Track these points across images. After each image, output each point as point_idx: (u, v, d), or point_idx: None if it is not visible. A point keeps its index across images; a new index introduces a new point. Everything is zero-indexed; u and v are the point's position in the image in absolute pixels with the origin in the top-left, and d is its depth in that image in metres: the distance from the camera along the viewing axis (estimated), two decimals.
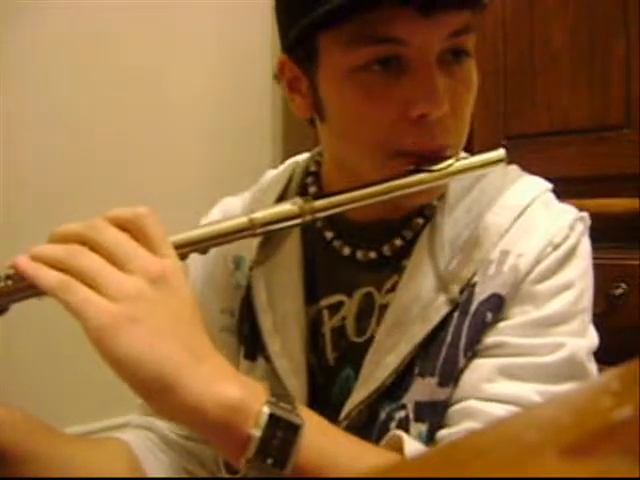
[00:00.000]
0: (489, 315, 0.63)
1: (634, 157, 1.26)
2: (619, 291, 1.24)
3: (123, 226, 0.53)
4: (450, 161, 0.62)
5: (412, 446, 0.57)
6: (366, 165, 0.64)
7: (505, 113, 1.47)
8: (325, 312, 0.71)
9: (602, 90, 1.34)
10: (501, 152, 0.63)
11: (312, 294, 0.72)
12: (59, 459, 0.63)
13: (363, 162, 0.64)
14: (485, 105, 1.45)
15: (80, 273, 0.50)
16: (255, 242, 0.73)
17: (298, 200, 0.60)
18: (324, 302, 0.71)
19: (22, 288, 0.53)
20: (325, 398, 0.68)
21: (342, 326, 0.70)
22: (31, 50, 1.42)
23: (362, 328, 0.69)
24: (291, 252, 0.72)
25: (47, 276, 0.50)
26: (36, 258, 0.52)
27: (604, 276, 1.21)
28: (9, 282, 0.53)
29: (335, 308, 0.71)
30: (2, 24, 1.36)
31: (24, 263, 0.52)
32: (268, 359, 0.70)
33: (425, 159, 0.62)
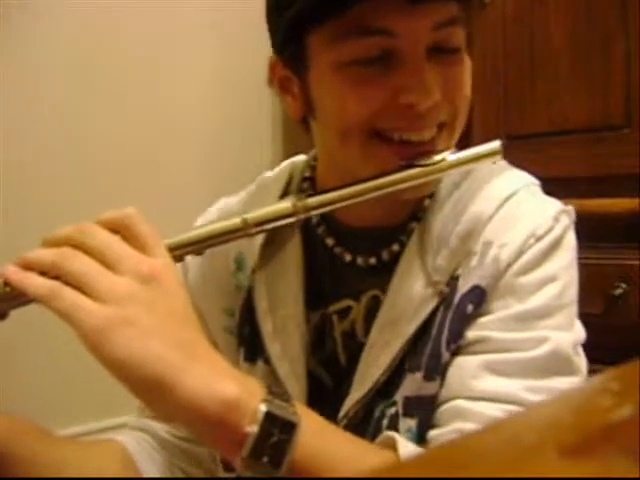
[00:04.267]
0: (470, 307, 0.62)
1: (634, 157, 1.26)
2: (619, 291, 1.24)
3: (113, 228, 0.53)
4: (444, 154, 0.61)
5: (406, 447, 0.57)
6: (350, 152, 0.63)
7: (505, 113, 1.47)
8: (334, 317, 0.71)
9: (602, 90, 1.34)
10: (496, 144, 0.62)
11: (317, 300, 0.72)
12: (54, 462, 0.63)
13: (348, 149, 0.63)
14: (485, 105, 1.45)
15: (70, 277, 0.50)
16: (257, 245, 0.73)
17: (291, 198, 0.60)
18: (333, 307, 0.71)
19: (20, 294, 0.53)
20: (335, 399, 0.69)
21: (352, 329, 0.70)
22: (30, 49, 1.42)
23: (371, 329, 0.69)
24: (292, 258, 0.72)
25: (35, 284, 0.50)
26: (26, 265, 0.52)
27: (604, 276, 1.21)
28: (7, 289, 0.53)
29: (344, 313, 0.71)
30: (3, 23, 1.36)
31: (12, 273, 0.52)
32: (268, 362, 0.70)
33: (415, 153, 0.61)
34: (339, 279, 0.72)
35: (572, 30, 1.38)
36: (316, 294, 0.72)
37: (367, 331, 0.69)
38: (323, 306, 0.72)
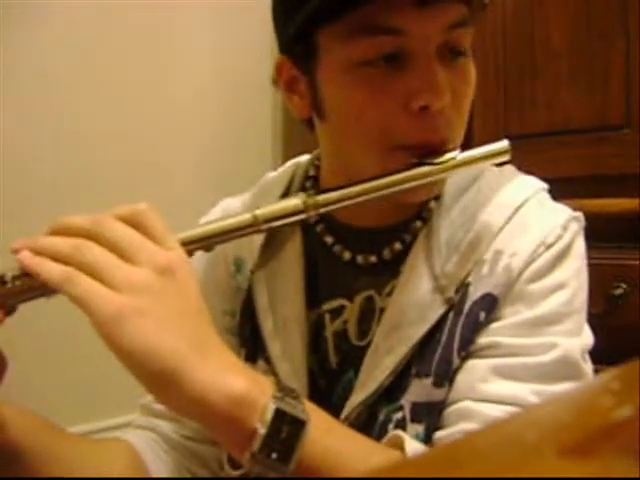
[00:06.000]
0: (482, 315, 0.63)
1: (634, 157, 1.26)
2: (619, 291, 1.24)
3: (126, 222, 0.53)
4: (454, 153, 0.61)
5: (413, 446, 0.57)
6: (368, 161, 0.63)
7: (505, 113, 1.47)
8: (327, 316, 0.71)
9: (602, 90, 1.34)
10: (505, 143, 0.62)
11: (314, 298, 0.72)
12: (66, 458, 0.63)
13: (365, 158, 0.64)
14: (485, 105, 1.45)
15: (86, 266, 0.50)
16: (257, 245, 0.73)
17: (302, 195, 0.59)
18: (326, 306, 0.71)
19: (30, 288, 0.53)
20: (327, 401, 0.69)
21: (344, 330, 0.70)
22: (31, 49, 1.42)
23: (364, 331, 0.69)
24: (292, 256, 0.72)
25: (51, 270, 0.50)
26: (41, 251, 0.52)
27: (604, 276, 1.21)
28: (17, 282, 0.53)
29: (337, 312, 0.71)
30: (4, 23, 1.36)
31: (27, 258, 0.52)
32: (268, 361, 0.70)
33: (427, 152, 0.61)
34: (335, 278, 0.72)
35: (572, 30, 1.38)
36: (314, 293, 0.72)
37: (360, 333, 0.69)
38: (318, 305, 0.72)
